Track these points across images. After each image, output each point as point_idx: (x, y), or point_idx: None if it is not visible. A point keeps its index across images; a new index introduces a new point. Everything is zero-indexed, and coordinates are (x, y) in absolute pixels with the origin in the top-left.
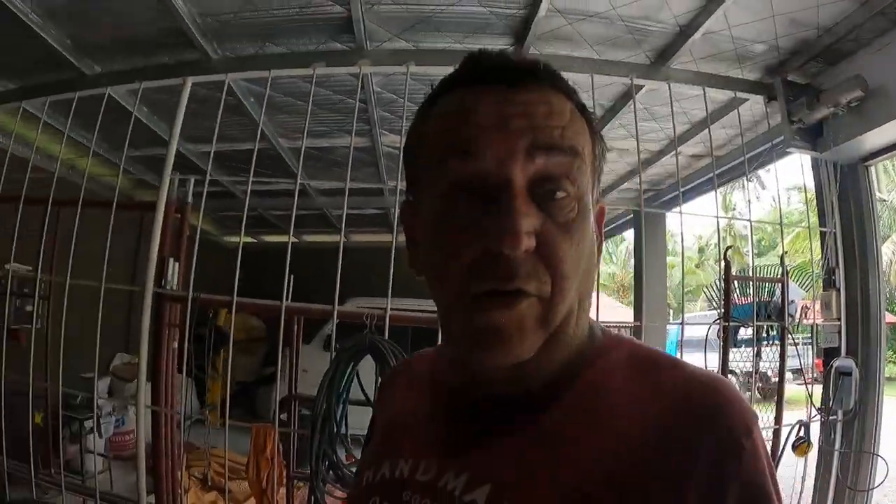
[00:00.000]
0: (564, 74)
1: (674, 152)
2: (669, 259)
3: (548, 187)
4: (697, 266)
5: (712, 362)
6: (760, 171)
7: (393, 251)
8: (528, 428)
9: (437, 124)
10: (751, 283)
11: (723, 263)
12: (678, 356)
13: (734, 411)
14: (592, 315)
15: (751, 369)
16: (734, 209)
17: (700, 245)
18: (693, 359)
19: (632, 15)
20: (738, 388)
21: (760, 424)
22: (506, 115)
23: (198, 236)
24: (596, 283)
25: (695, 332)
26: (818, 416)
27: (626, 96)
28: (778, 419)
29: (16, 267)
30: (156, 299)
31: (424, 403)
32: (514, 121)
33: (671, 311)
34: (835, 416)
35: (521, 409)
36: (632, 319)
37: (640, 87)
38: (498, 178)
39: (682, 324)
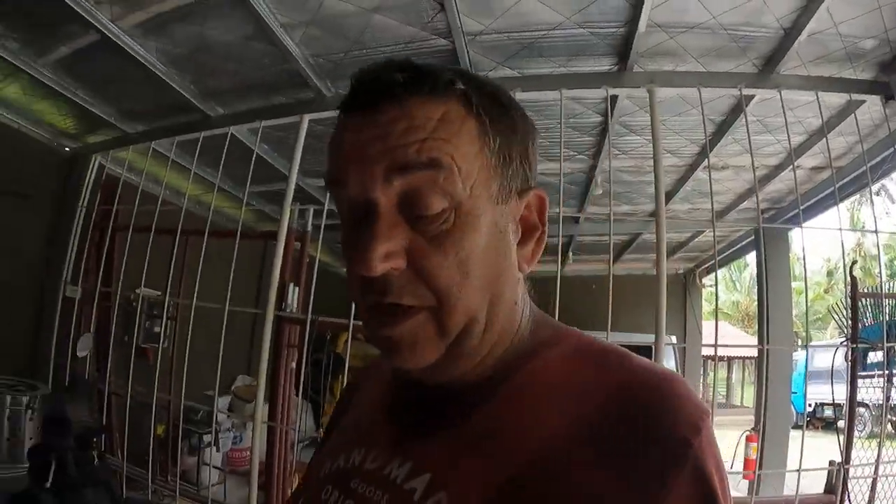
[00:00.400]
0: (670, 90)
1: (790, 166)
2: (796, 284)
3: (413, 205)
4: (826, 291)
5: (840, 394)
6: (888, 182)
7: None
8: (466, 421)
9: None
10: (880, 300)
11: (848, 280)
12: (805, 384)
13: (682, 407)
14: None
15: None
16: (863, 226)
17: (828, 268)
18: (820, 391)
19: (733, 22)
20: (689, 385)
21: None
22: (363, 142)
23: (316, 264)
24: (518, 281)
25: (825, 363)
26: None
27: (738, 109)
28: None
29: (146, 291)
30: (276, 321)
31: (382, 398)
32: (371, 146)
33: (798, 340)
34: None
35: (459, 404)
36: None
37: (751, 97)
38: (365, 203)
39: (806, 346)
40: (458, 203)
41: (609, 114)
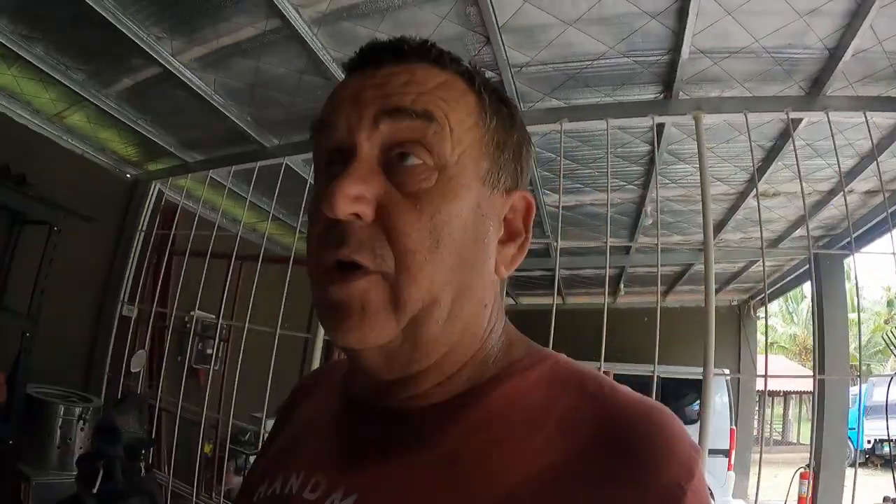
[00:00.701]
0: (717, 116)
1: (843, 190)
2: (854, 316)
3: (396, 152)
4: (887, 322)
5: None
6: None
7: (553, 314)
8: (428, 447)
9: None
10: None
11: None
12: (861, 419)
13: (675, 447)
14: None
15: None
16: None
17: (889, 298)
18: (880, 426)
19: (777, 45)
20: (677, 418)
21: None
22: (358, 89)
23: None
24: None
25: (884, 397)
26: None
27: (786, 134)
28: None
29: (200, 314)
30: (325, 346)
31: (328, 415)
32: (367, 91)
33: (858, 374)
34: None
35: (421, 426)
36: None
37: (798, 121)
38: (348, 146)
39: (860, 375)
40: (443, 164)
41: (656, 142)
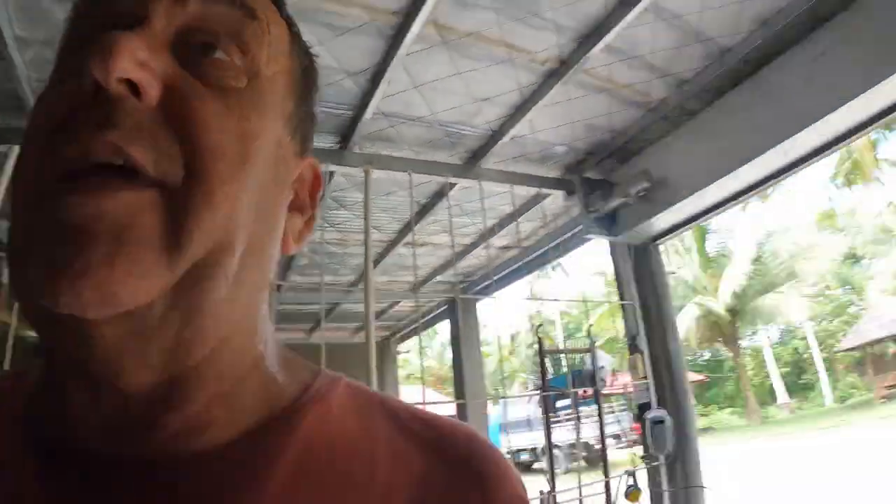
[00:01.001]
0: (386, 173)
1: (484, 244)
2: (484, 349)
3: (201, 39)
4: (511, 353)
5: (535, 439)
6: (564, 260)
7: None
8: None
9: None
10: (563, 355)
11: (535, 340)
12: (501, 433)
13: (511, 467)
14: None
15: (572, 440)
16: (541, 297)
17: (511, 334)
18: (515, 438)
19: (450, 120)
20: None
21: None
22: None
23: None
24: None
25: (516, 414)
26: (643, 465)
27: (441, 194)
28: (605, 472)
29: None
30: None
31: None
32: None
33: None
34: (657, 461)
35: (209, 487)
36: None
37: (454, 184)
38: (130, 19)
39: (503, 397)
40: (256, 70)
41: (324, 188)
